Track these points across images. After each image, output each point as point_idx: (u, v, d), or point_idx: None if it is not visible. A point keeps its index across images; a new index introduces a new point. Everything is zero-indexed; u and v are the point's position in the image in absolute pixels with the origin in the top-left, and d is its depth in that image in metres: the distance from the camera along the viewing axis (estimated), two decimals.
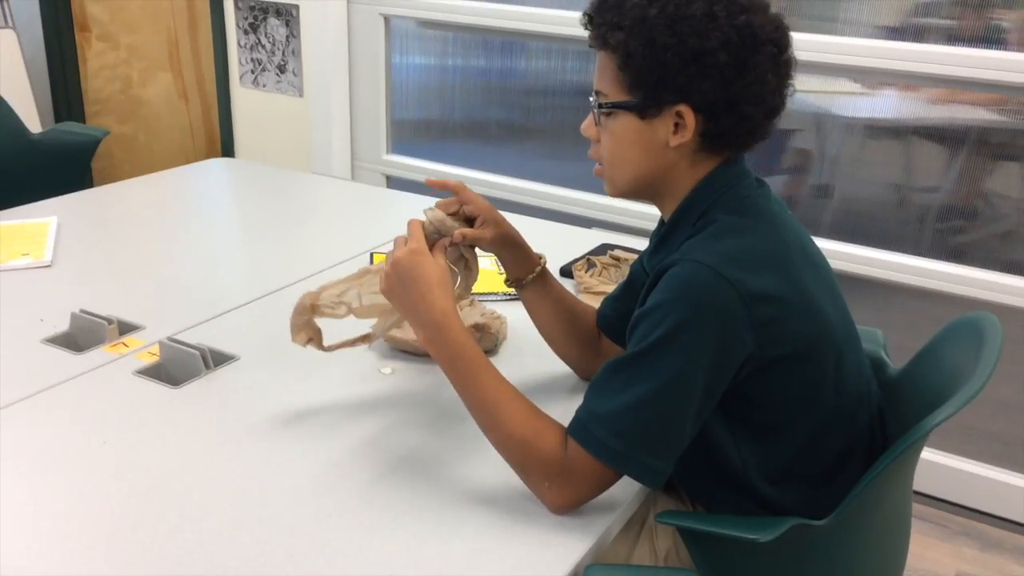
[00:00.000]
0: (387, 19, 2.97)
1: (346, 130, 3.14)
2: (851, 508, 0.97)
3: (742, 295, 0.94)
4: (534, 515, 1.02)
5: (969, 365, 1.03)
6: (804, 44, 2.26)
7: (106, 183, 2.24)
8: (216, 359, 1.34)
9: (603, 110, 1.05)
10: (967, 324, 1.12)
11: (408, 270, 1.08)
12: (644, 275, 1.23)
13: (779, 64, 1.01)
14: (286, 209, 2.09)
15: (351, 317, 1.19)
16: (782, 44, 1.01)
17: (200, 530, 0.98)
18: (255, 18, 3.11)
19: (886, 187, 2.36)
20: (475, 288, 1.60)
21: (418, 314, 1.08)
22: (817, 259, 1.08)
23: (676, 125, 1.02)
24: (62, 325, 1.43)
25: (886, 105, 2.32)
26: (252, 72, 3.19)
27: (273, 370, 1.33)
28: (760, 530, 0.95)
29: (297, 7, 3.00)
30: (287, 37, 3.06)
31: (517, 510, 1.03)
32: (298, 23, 3.01)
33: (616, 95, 1.04)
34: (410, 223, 1.16)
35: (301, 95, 3.10)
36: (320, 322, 1.21)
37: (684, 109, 1.00)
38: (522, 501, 1.04)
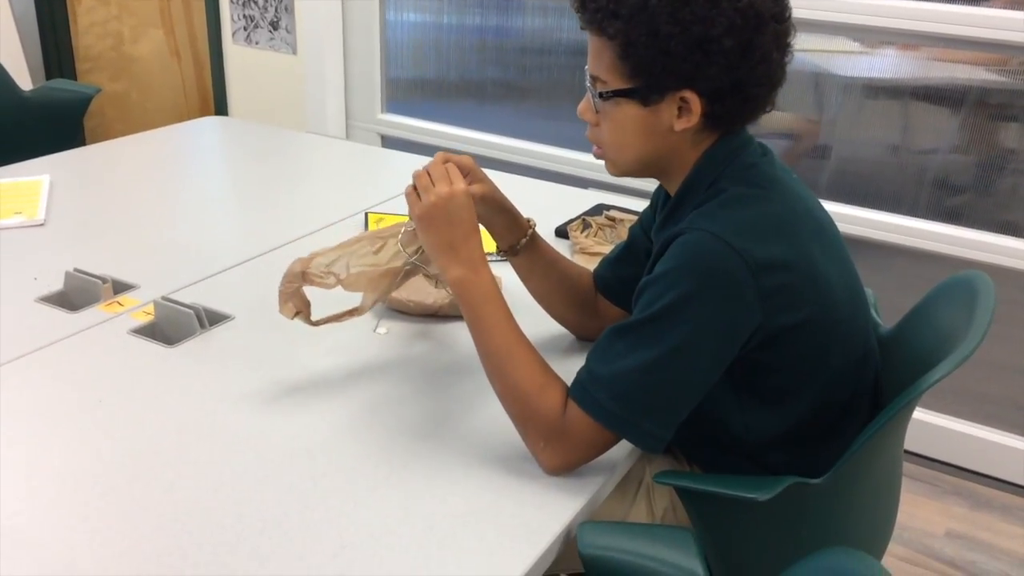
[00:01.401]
0: None
1: (340, 88, 3.10)
2: (846, 467, 0.98)
3: (749, 264, 0.94)
4: (528, 474, 1.03)
5: (962, 325, 1.04)
6: (804, 2, 2.24)
7: (98, 141, 2.22)
8: (211, 318, 1.34)
9: (604, 97, 1.03)
10: (959, 283, 1.12)
11: (459, 208, 1.08)
12: (646, 241, 1.23)
13: (780, 38, 1.00)
14: (280, 168, 2.08)
15: (339, 288, 1.18)
16: (783, 16, 1.00)
17: (196, 487, 0.99)
18: None
19: (884, 148, 2.34)
20: None
21: (457, 252, 1.07)
22: (824, 223, 1.07)
23: (680, 109, 1.01)
24: (56, 284, 1.42)
25: (885, 64, 2.29)
26: (245, 29, 3.14)
27: (267, 330, 1.33)
28: (758, 489, 0.96)
29: None
30: None
31: (511, 469, 1.04)
32: None
33: (615, 82, 1.01)
34: (450, 159, 1.14)
35: (295, 52, 3.07)
36: (309, 293, 1.20)
37: (689, 95, 0.99)
38: (517, 460, 1.05)
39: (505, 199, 1.22)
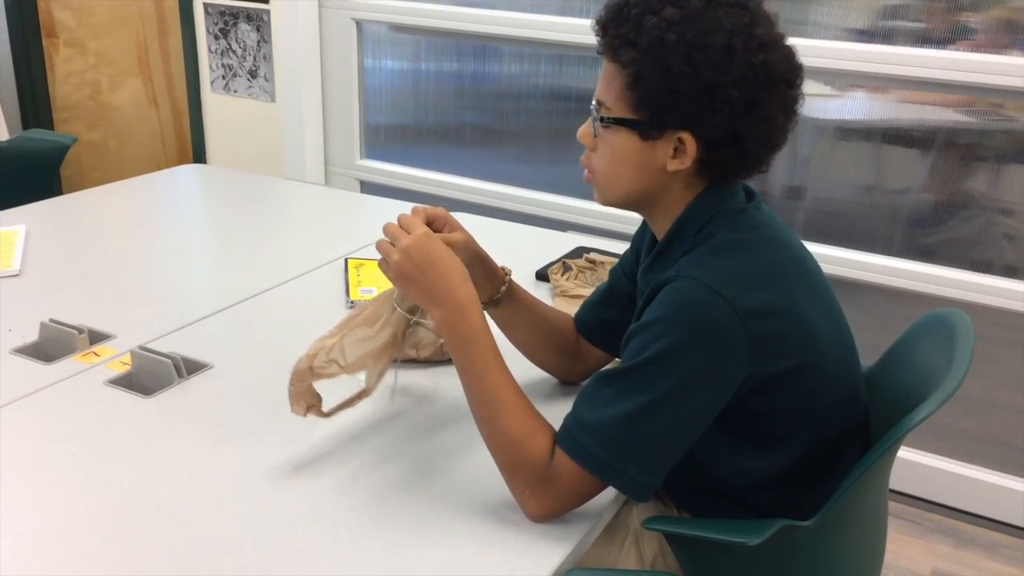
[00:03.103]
0: (359, 24, 2.96)
1: (319, 135, 3.12)
2: (835, 508, 0.98)
3: (739, 312, 0.94)
4: (513, 522, 1.02)
5: (941, 362, 1.04)
6: None
7: (75, 190, 2.21)
8: (189, 367, 1.32)
9: (604, 123, 1.03)
10: (936, 320, 1.13)
11: (425, 253, 1.06)
12: (628, 283, 1.23)
13: (789, 103, 1.01)
14: (259, 215, 2.07)
15: (343, 375, 1.14)
16: (795, 82, 1.01)
17: (173, 543, 0.97)
18: (225, 23, 3.08)
19: (856, 188, 2.38)
20: None
21: (438, 295, 1.05)
22: (811, 268, 1.08)
23: (676, 150, 1.01)
24: (31, 335, 1.40)
25: (856, 107, 2.34)
26: (223, 77, 3.16)
27: (247, 378, 1.32)
28: (749, 533, 0.95)
29: (268, 12, 2.98)
30: (258, 42, 3.04)
31: (496, 516, 1.03)
32: (269, 28, 2.99)
33: (620, 110, 1.02)
34: (413, 209, 1.15)
35: (273, 100, 3.08)
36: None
37: (687, 136, 1.00)
38: (501, 508, 1.04)
39: (481, 250, 1.22)
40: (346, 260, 1.75)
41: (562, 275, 1.67)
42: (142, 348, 1.33)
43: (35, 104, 3.74)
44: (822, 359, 1.02)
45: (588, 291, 1.56)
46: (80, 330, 1.38)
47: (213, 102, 3.23)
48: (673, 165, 1.02)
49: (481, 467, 1.11)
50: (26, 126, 3.72)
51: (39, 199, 2.08)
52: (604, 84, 1.04)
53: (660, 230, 1.10)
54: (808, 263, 1.08)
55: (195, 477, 1.08)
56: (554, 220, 2.74)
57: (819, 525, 0.98)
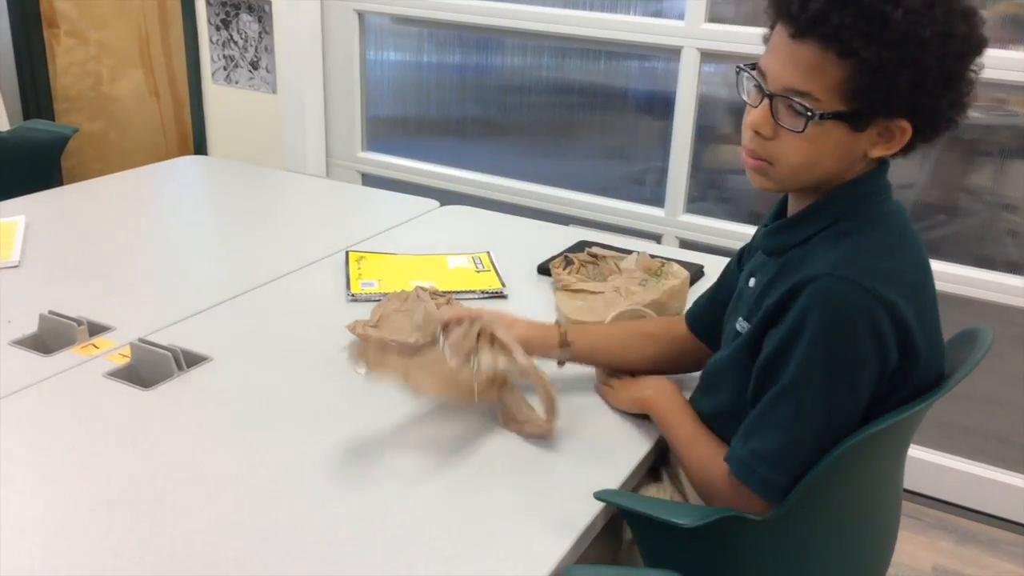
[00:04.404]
0: (361, 15, 2.95)
1: (320, 127, 3.11)
2: (794, 503, 0.97)
3: (885, 304, 0.93)
4: (513, 518, 1.01)
5: (957, 367, 1.04)
6: None
7: (76, 181, 2.20)
8: (188, 360, 1.32)
9: (813, 118, 0.94)
10: (963, 336, 1.12)
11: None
12: (738, 272, 1.20)
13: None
14: (260, 207, 2.07)
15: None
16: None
17: (172, 535, 0.96)
18: (227, 14, 3.07)
19: None
20: (452, 287, 1.60)
21: (641, 390, 1.21)
22: (929, 273, 1.05)
23: (880, 135, 0.96)
24: (30, 327, 1.40)
25: None
26: (224, 69, 3.15)
27: (247, 371, 1.31)
28: (687, 516, 0.96)
29: (269, 3, 2.96)
30: (260, 33, 3.03)
31: (495, 511, 1.02)
32: (271, 19, 2.98)
33: (831, 102, 0.93)
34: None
35: (274, 92, 3.07)
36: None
37: (905, 124, 0.95)
38: (500, 503, 1.03)
39: (529, 324, 1.25)
40: (347, 253, 1.74)
41: (564, 269, 1.66)
42: (141, 340, 1.32)
43: (36, 94, 3.73)
44: (918, 370, 0.99)
45: (590, 285, 1.55)
46: (79, 322, 1.37)
47: (214, 93, 3.22)
48: (879, 151, 0.97)
49: (474, 461, 1.10)
50: (27, 116, 3.71)
51: (39, 190, 2.07)
52: (803, 72, 0.94)
53: (804, 202, 1.04)
54: (928, 268, 1.05)
55: (194, 470, 1.08)
56: (556, 214, 2.73)
57: (776, 519, 0.98)
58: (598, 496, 1.03)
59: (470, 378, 1.12)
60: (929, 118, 0.95)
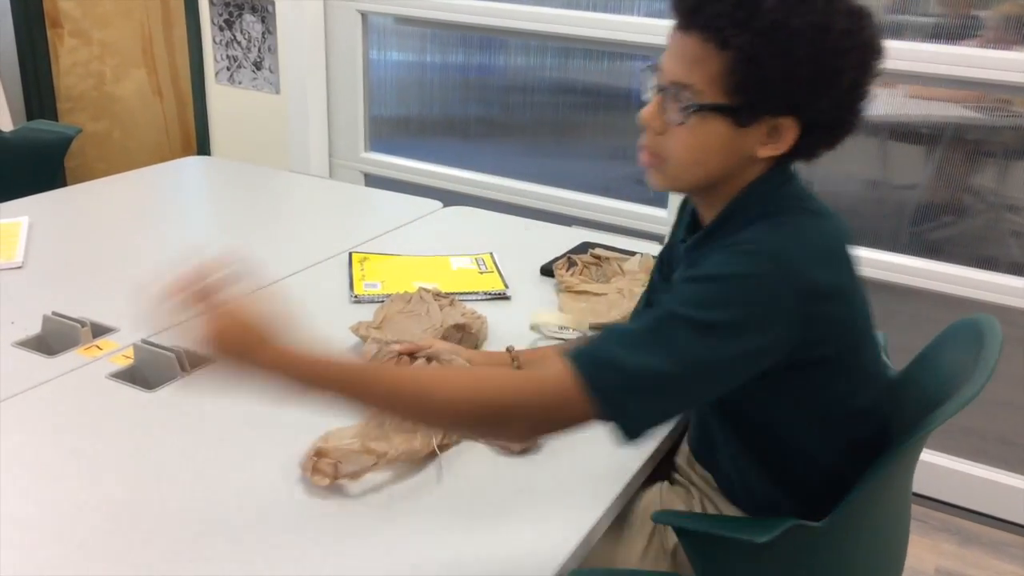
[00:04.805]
0: (364, 15, 2.95)
1: (323, 127, 3.11)
2: (849, 509, 0.97)
3: (797, 288, 0.90)
4: (516, 519, 1.01)
5: (966, 366, 1.03)
6: None
7: (80, 181, 2.20)
8: (192, 361, 1.32)
9: (694, 110, 0.94)
10: (966, 326, 1.11)
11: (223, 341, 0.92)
12: (667, 284, 1.19)
13: (875, 80, 0.96)
14: (263, 208, 2.07)
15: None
16: (882, 58, 0.95)
17: (175, 538, 0.96)
18: (230, 14, 3.07)
19: (863, 183, 2.37)
20: (455, 288, 1.60)
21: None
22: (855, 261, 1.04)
23: (768, 134, 0.95)
24: (33, 328, 1.40)
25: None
26: (228, 69, 3.15)
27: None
28: (757, 531, 0.94)
29: (273, 3, 2.96)
30: (263, 34, 3.03)
31: (499, 513, 1.02)
32: (274, 19, 2.98)
33: (713, 94, 0.92)
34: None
35: (278, 92, 3.07)
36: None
37: (789, 122, 0.94)
38: (504, 504, 1.03)
39: (475, 353, 1.24)
40: (350, 254, 1.74)
41: (567, 271, 1.66)
42: (145, 341, 1.32)
43: (39, 94, 3.73)
44: (860, 357, 1.00)
45: (593, 287, 1.56)
46: (83, 323, 1.38)
47: (218, 93, 3.22)
48: (767, 151, 0.96)
49: (480, 462, 1.10)
50: (30, 116, 3.71)
51: (43, 190, 2.07)
52: (687, 64, 0.93)
53: (713, 210, 1.03)
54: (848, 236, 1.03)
55: (197, 472, 1.08)
56: (560, 215, 2.73)
57: (831, 527, 0.97)
58: (656, 519, 1.02)
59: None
60: (814, 117, 0.93)
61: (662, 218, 2.58)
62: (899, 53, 2.17)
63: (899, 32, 2.19)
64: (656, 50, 2.48)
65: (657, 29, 2.45)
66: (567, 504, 1.05)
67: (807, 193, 1.02)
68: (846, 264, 0.98)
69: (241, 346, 0.91)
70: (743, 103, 0.92)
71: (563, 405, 0.89)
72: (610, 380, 0.88)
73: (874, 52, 0.93)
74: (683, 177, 1.00)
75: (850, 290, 0.98)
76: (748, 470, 1.08)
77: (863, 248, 2.33)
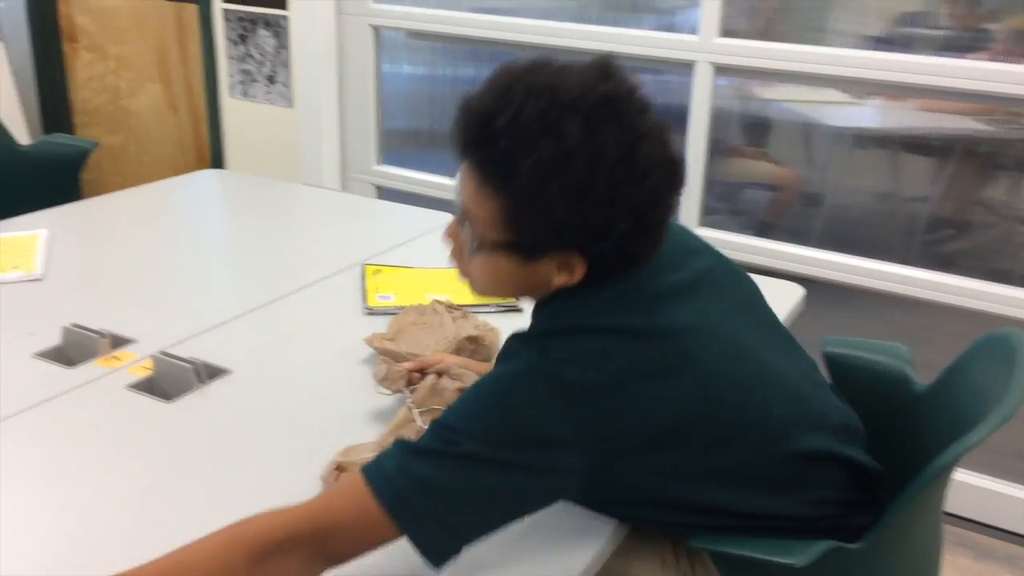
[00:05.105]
0: (376, 30, 2.98)
1: (336, 141, 3.13)
2: (887, 530, 0.97)
3: (559, 393, 0.88)
4: (528, 532, 1.02)
5: (999, 382, 1.03)
6: (793, 54, 2.28)
7: (95, 195, 2.22)
8: (209, 373, 1.33)
9: (476, 247, 0.95)
10: (995, 341, 1.10)
11: None
12: None
13: (672, 208, 0.95)
14: (277, 220, 2.09)
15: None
16: (678, 186, 0.94)
17: None
18: (244, 29, 3.10)
19: (874, 196, 2.37)
20: (468, 300, 1.61)
21: None
22: (721, 314, 1.00)
23: (558, 267, 0.95)
24: (53, 339, 1.42)
25: (874, 115, 2.33)
26: (241, 83, 3.18)
27: (266, 384, 1.33)
28: (795, 554, 0.94)
29: (286, 18, 2.99)
30: (276, 48, 3.06)
31: (511, 529, 1.03)
32: (287, 34, 3.01)
33: (494, 233, 0.93)
34: None
35: (291, 106, 3.10)
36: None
37: (574, 259, 0.93)
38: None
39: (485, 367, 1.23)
40: (363, 266, 1.76)
41: None
42: (163, 353, 1.34)
43: (55, 108, 3.77)
44: (680, 445, 0.93)
45: None
46: (102, 334, 1.39)
47: (231, 107, 3.25)
48: (560, 280, 0.95)
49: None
50: (47, 130, 3.75)
51: (60, 203, 2.10)
52: (472, 195, 0.93)
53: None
54: (724, 311, 1.00)
55: (215, 483, 1.09)
56: None
57: (868, 548, 0.97)
58: (693, 544, 1.01)
59: None
60: (598, 257, 0.92)
61: None
62: (909, 66, 2.18)
63: (909, 45, 2.20)
64: (665, 63, 2.50)
65: (666, 43, 2.47)
66: (579, 515, 1.05)
67: (624, 305, 0.96)
68: (627, 384, 0.91)
69: None
70: (521, 242, 0.93)
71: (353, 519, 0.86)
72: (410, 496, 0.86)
73: (655, 195, 0.91)
74: (491, 294, 1.02)
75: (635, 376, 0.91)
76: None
77: (875, 261, 2.34)
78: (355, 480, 0.87)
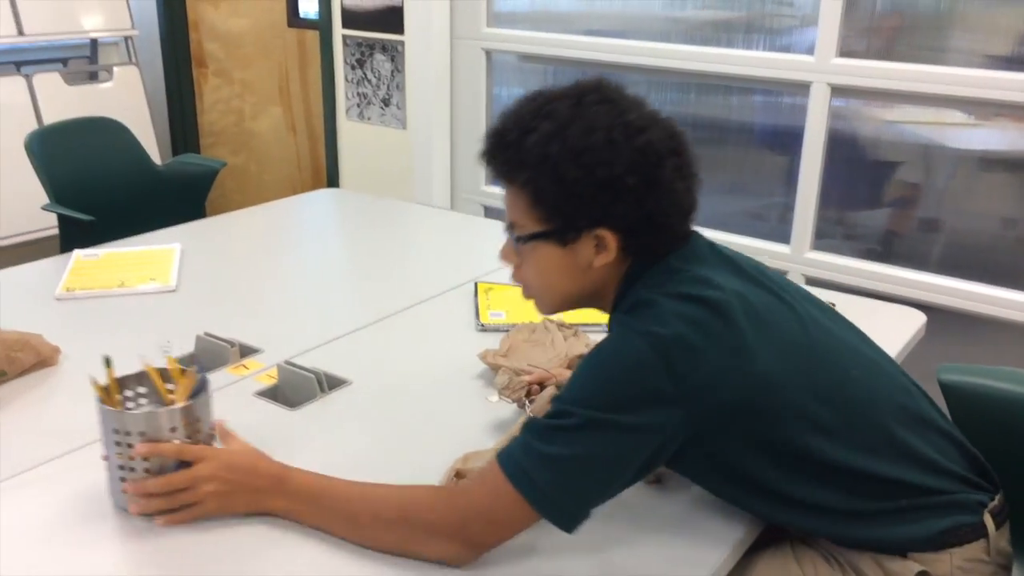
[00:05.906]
0: (488, 53, 3.04)
1: (447, 161, 3.21)
2: None
3: (662, 353, 0.95)
4: (641, 549, 1.02)
5: None
6: (913, 75, 2.22)
7: (218, 212, 2.35)
8: (330, 383, 1.39)
9: (521, 242, 1.07)
10: None
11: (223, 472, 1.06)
12: None
13: (683, 170, 1.03)
14: (391, 238, 2.16)
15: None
16: (681, 150, 1.04)
17: (315, 549, 1.02)
18: (362, 54, 3.22)
19: (998, 221, 2.28)
20: (579, 318, 1.62)
21: (261, 493, 1.07)
22: (766, 301, 1.05)
23: (596, 246, 1.04)
24: (188, 347, 1.50)
25: (997, 137, 2.25)
26: (358, 106, 3.30)
27: (385, 394, 1.37)
28: None
29: (403, 43, 3.09)
30: (392, 72, 3.16)
31: (620, 543, 1.04)
32: (403, 58, 3.11)
33: (532, 226, 1.05)
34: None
35: (404, 127, 3.20)
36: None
37: (603, 232, 1.02)
38: (627, 535, 1.04)
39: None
40: (476, 284, 1.80)
41: None
42: (287, 363, 1.40)
43: (184, 130, 3.99)
44: (777, 389, 1.00)
45: None
46: (232, 344, 1.47)
47: (348, 129, 3.37)
48: (599, 260, 1.05)
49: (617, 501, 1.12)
50: (175, 150, 3.98)
51: (187, 220, 2.22)
52: (509, 206, 1.08)
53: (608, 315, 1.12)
54: (763, 296, 1.05)
55: None
56: None
57: None
58: None
59: None
60: (621, 223, 1.02)
61: (784, 253, 2.55)
62: None
63: None
64: (781, 84, 2.48)
65: (782, 64, 2.45)
66: (693, 536, 1.05)
67: (681, 276, 1.04)
68: (713, 335, 0.98)
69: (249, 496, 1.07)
70: (556, 226, 1.04)
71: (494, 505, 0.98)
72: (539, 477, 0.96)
73: (652, 153, 1.00)
74: (549, 300, 1.12)
75: (726, 341, 0.98)
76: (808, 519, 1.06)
77: (998, 288, 2.25)
78: (491, 465, 0.99)
